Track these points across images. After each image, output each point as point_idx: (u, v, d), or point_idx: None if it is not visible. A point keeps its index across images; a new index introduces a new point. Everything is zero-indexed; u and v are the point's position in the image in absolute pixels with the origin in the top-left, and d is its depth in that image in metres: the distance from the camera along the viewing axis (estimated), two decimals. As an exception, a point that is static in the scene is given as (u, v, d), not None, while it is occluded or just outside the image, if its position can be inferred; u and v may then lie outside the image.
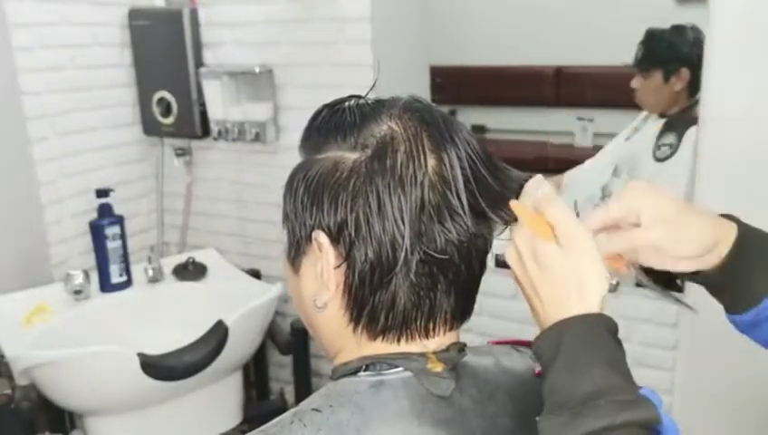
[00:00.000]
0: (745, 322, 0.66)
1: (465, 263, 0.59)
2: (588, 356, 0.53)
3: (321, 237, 0.59)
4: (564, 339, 0.54)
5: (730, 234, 0.65)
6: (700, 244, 0.63)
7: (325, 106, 0.64)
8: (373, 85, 0.69)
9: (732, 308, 0.67)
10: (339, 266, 0.59)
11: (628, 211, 0.62)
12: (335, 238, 0.59)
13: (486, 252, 0.62)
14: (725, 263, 0.65)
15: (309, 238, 0.60)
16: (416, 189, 0.57)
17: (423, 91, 2.11)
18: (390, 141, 0.58)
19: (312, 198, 0.59)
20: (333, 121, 0.61)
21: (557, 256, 0.56)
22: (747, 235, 0.65)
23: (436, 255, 0.58)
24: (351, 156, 0.59)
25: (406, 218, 0.56)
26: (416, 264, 0.57)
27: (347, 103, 0.63)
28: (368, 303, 0.59)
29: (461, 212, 0.58)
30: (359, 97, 0.64)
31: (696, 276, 0.67)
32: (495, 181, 0.60)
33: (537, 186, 0.60)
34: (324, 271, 0.60)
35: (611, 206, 0.62)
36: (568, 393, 0.52)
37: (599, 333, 0.54)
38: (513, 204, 0.59)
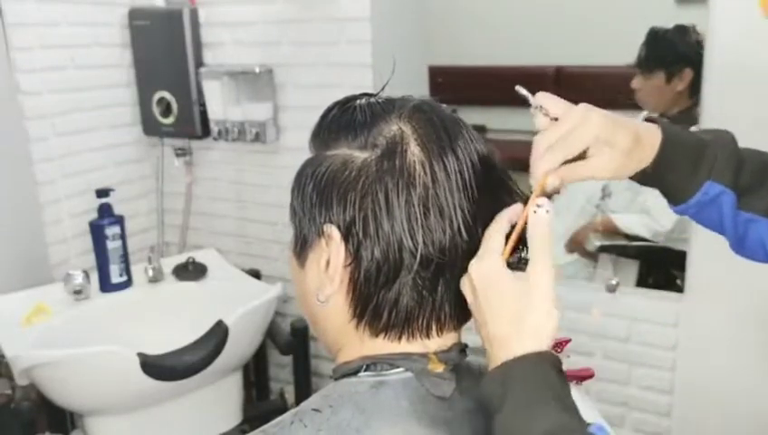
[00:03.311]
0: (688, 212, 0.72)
1: (468, 264, 0.59)
2: (538, 396, 0.53)
3: (333, 232, 0.59)
4: (513, 380, 0.54)
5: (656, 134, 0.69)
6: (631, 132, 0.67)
7: (336, 103, 0.64)
8: (385, 84, 0.69)
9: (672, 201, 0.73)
10: (349, 265, 0.59)
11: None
12: (344, 236, 0.59)
13: None
14: (654, 165, 0.69)
15: (317, 234, 0.61)
16: (423, 190, 0.57)
17: (422, 92, 2.10)
18: (400, 142, 0.59)
19: (321, 196, 0.60)
20: (344, 119, 0.62)
21: (509, 293, 0.56)
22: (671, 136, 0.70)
23: (440, 255, 0.58)
24: (361, 155, 0.59)
25: (413, 219, 0.57)
26: (420, 263, 0.57)
27: (358, 102, 0.63)
28: (372, 300, 0.60)
29: (466, 214, 0.58)
30: (369, 96, 0.64)
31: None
32: (499, 185, 0.61)
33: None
34: (331, 265, 0.60)
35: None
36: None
37: (545, 371, 0.54)
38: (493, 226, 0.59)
